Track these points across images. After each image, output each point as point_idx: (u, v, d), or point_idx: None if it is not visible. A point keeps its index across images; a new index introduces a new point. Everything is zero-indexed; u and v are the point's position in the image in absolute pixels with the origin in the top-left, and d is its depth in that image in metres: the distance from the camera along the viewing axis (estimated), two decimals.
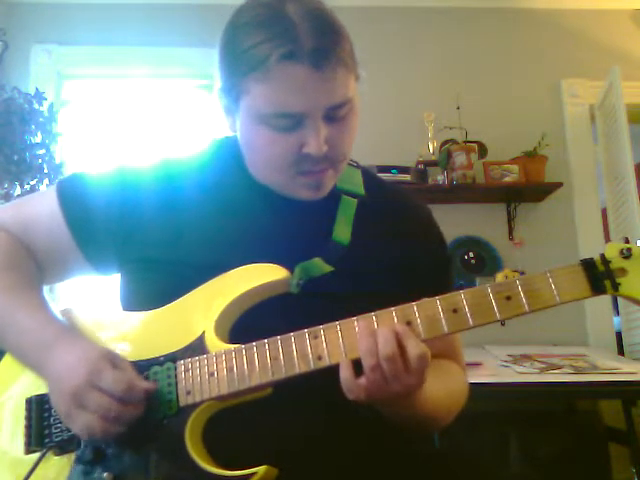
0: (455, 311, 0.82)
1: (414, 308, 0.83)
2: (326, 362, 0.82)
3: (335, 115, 0.92)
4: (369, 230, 1.02)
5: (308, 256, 0.95)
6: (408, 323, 0.82)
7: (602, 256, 0.81)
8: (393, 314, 0.83)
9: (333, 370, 0.82)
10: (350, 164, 1.08)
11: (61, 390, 0.84)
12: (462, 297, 0.82)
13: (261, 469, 0.77)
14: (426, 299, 0.83)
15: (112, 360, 0.85)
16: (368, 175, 1.11)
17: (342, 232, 0.99)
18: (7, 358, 0.99)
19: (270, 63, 0.86)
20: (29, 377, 0.94)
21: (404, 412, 0.89)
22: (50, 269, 1.05)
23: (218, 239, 0.97)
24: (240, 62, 0.90)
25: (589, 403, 2.96)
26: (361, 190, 1.07)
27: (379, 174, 2.81)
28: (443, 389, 0.98)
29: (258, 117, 0.91)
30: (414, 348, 0.79)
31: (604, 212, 3.32)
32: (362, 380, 0.80)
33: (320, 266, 0.95)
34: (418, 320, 0.82)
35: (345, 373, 0.80)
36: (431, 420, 0.97)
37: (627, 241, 0.83)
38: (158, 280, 0.96)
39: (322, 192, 0.98)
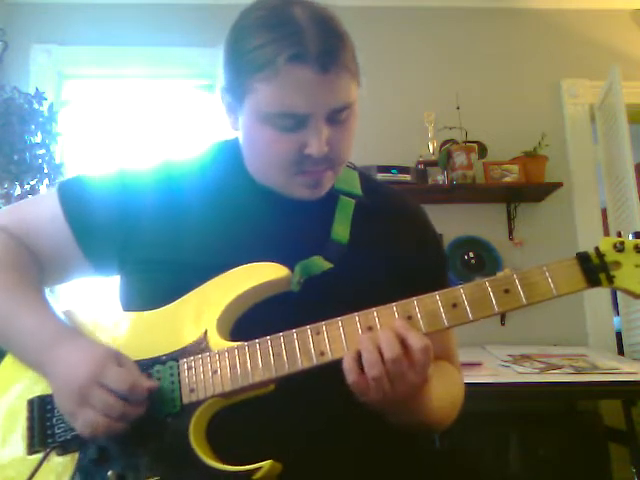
0: (455, 305, 0.83)
1: (414, 303, 0.84)
2: (329, 357, 0.83)
3: (337, 118, 0.93)
4: (367, 229, 1.03)
5: (307, 255, 0.96)
6: (409, 318, 0.83)
7: (596, 250, 0.83)
8: (394, 309, 0.83)
9: (335, 367, 0.83)
10: (347, 166, 1.10)
11: (66, 388, 0.85)
12: (461, 292, 0.84)
13: (266, 464, 0.78)
14: (426, 294, 0.84)
15: (117, 358, 0.86)
16: (365, 177, 1.13)
17: (341, 231, 1.01)
18: (7, 360, 0.99)
19: (277, 64, 0.88)
20: (30, 378, 0.94)
21: (409, 416, 0.90)
22: (51, 270, 1.06)
23: (219, 240, 0.98)
24: (247, 62, 0.91)
25: (589, 403, 2.96)
26: (358, 191, 1.08)
27: (379, 174, 2.85)
28: (444, 391, 0.98)
29: (263, 116, 0.92)
30: (417, 341, 0.80)
31: (604, 212, 3.32)
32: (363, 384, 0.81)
33: (320, 264, 0.96)
34: (418, 315, 0.83)
35: (349, 376, 0.81)
36: (433, 423, 0.98)
37: (620, 235, 0.85)
38: (159, 280, 0.97)
39: (320, 192, 1.00)
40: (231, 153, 1.06)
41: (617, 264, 0.83)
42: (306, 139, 0.92)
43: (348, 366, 0.81)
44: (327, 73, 0.89)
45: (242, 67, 0.93)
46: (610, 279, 0.82)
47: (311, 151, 0.92)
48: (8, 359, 0.98)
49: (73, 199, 1.04)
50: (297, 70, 0.88)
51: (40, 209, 1.06)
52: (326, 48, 0.89)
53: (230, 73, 0.96)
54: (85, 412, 0.82)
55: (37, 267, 1.03)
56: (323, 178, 0.98)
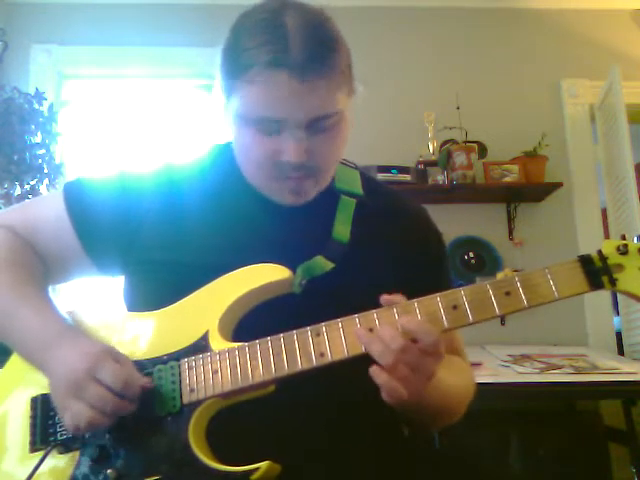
0: (455, 307, 0.83)
1: (415, 305, 0.83)
2: (328, 359, 0.83)
3: (318, 126, 0.93)
4: (368, 229, 1.03)
5: (309, 256, 0.96)
6: None
7: (599, 252, 0.82)
8: (394, 311, 0.83)
9: (335, 369, 0.83)
10: (348, 165, 1.11)
11: (62, 382, 0.85)
12: (462, 294, 0.83)
13: (264, 465, 0.78)
14: (426, 296, 0.84)
15: (113, 355, 0.86)
16: (366, 177, 1.13)
17: (341, 231, 1.01)
18: (14, 358, 1.00)
19: (258, 67, 0.89)
20: (35, 377, 0.94)
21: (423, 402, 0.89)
22: (55, 270, 1.07)
23: (221, 242, 0.99)
24: (231, 64, 0.93)
25: (589, 403, 2.96)
26: (359, 190, 1.08)
27: (379, 174, 2.85)
28: (453, 380, 0.99)
29: (243, 118, 0.94)
30: (418, 327, 0.80)
31: (604, 212, 3.32)
32: (393, 382, 0.80)
33: (321, 264, 0.96)
34: (419, 317, 0.83)
35: (380, 378, 0.80)
36: (445, 411, 0.99)
37: (624, 238, 0.84)
38: (162, 281, 0.98)
39: (304, 198, 0.99)
40: (231, 155, 1.06)
41: (620, 267, 0.81)
42: (282, 145, 0.92)
43: (374, 371, 0.80)
44: (304, 81, 0.88)
45: (227, 69, 0.94)
46: (613, 282, 0.81)
47: (286, 157, 0.92)
48: (15, 357, 1.00)
49: (78, 201, 1.06)
50: (275, 75, 0.88)
51: (45, 210, 1.08)
52: (309, 56, 0.88)
53: (221, 73, 0.97)
54: (76, 405, 0.83)
55: (42, 266, 1.05)
56: (304, 185, 0.97)
